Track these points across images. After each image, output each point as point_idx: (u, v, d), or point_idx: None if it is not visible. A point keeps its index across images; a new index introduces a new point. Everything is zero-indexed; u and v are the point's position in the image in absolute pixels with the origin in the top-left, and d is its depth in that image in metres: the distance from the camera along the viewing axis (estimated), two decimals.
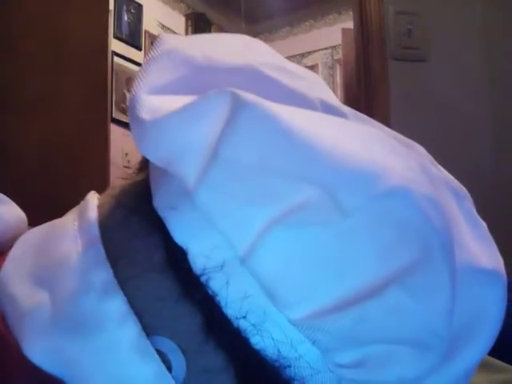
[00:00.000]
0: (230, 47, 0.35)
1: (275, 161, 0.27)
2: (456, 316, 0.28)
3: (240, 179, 0.27)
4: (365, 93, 1.89)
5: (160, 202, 0.30)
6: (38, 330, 0.29)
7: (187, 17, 4.42)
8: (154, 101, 0.30)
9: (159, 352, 0.28)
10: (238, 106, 0.27)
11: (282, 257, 0.26)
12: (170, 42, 0.33)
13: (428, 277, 0.27)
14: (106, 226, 0.32)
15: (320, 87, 0.36)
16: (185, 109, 0.28)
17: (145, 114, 0.29)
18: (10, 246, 0.35)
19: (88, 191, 0.36)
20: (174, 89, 0.31)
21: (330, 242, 0.26)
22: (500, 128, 1.83)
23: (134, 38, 3.77)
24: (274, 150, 0.27)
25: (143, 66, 0.32)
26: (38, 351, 0.29)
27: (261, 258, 0.26)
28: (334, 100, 0.35)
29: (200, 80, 0.32)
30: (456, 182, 0.33)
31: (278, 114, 0.27)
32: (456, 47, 1.86)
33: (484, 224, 0.33)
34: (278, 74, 0.33)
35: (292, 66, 0.35)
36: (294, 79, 0.33)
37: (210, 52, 0.33)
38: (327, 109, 0.33)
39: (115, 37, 3.57)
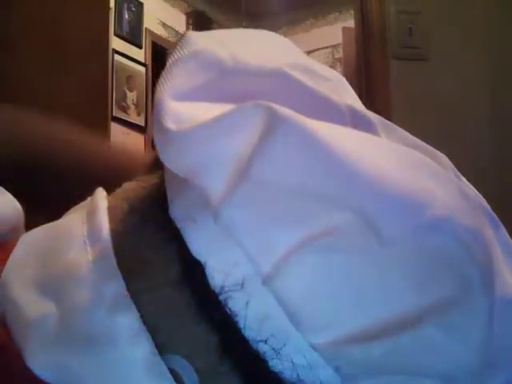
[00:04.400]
0: (257, 47, 0.33)
1: (310, 182, 0.25)
2: (489, 349, 0.27)
3: (271, 198, 0.25)
4: (365, 92, 1.88)
5: (177, 212, 0.28)
6: (42, 341, 0.28)
7: (188, 15, 4.42)
8: (180, 108, 0.28)
9: (172, 371, 0.27)
10: (274, 122, 0.26)
11: (309, 279, 0.25)
12: (197, 42, 0.31)
13: (466, 314, 0.25)
14: (118, 233, 0.30)
15: (345, 90, 0.35)
16: (215, 121, 0.27)
17: (170, 122, 0.27)
18: (10, 239, 0.33)
19: None
20: (201, 94, 0.30)
21: (362, 270, 0.25)
22: (500, 128, 1.83)
23: (134, 35, 3.77)
24: (310, 171, 0.25)
25: (168, 67, 0.30)
26: (41, 363, 0.28)
27: (285, 279, 0.25)
28: (360, 105, 0.34)
29: (228, 85, 0.30)
30: (484, 200, 0.32)
31: (317, 132, 0.26)
32: (456, 46, 1.86)
33: None
34: (305, 77, 0.32)
35: (318, 67, 0.34)
36: (321, 82, 0.32)
37: (237, 53, 0.31)
38: (355, 115, 0.32)
39: (116, 35, 3.57)
